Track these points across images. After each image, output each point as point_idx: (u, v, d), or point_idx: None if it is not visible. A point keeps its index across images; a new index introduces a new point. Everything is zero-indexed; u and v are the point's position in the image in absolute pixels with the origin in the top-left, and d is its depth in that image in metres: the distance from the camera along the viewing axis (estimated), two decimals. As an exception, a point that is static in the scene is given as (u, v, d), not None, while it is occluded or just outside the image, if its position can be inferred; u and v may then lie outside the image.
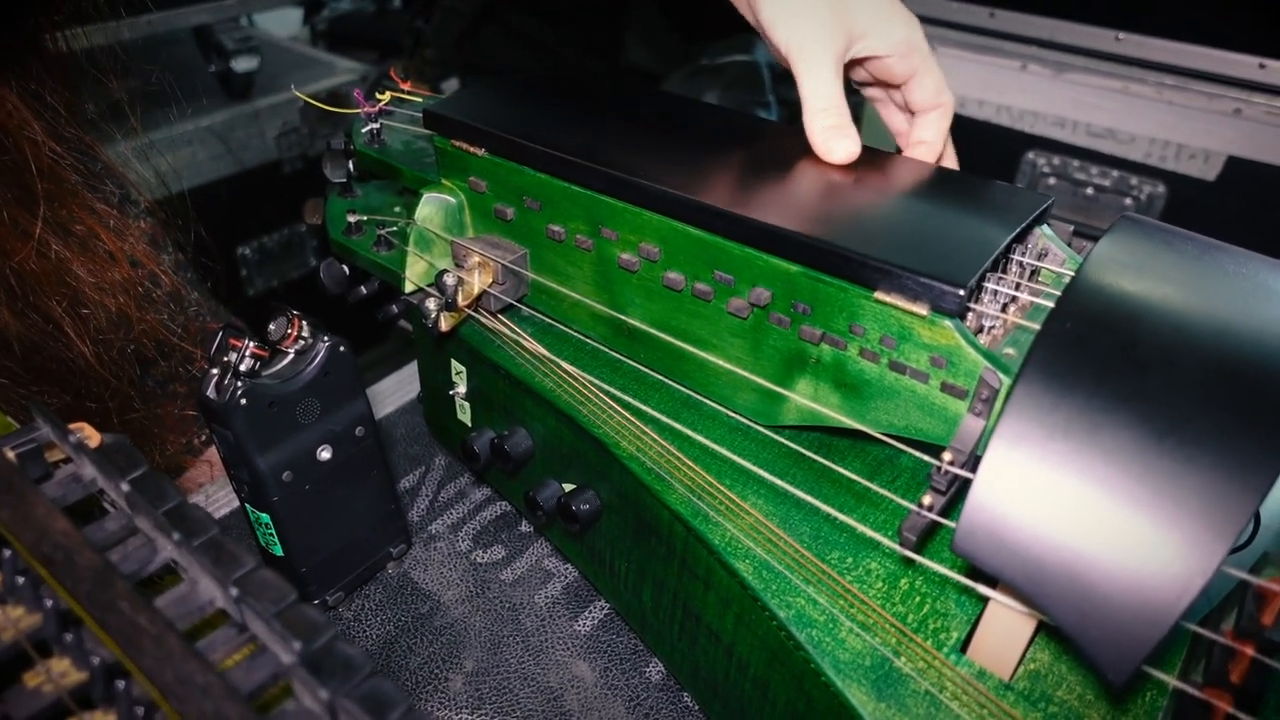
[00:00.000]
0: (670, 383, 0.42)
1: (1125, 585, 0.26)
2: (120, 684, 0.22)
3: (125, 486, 0.29)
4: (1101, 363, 0.28)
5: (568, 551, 0.48)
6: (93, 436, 0.33)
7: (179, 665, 0.22)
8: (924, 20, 1.07)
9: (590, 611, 0.47)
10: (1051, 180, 1.04)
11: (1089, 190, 1.02)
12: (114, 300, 0.53)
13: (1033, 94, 1.01)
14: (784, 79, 1.58)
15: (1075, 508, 0.27)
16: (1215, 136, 0.92)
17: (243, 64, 1.50)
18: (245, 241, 1.54)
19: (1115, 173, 1.00)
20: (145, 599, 0.24)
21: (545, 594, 0.48)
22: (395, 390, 0.63)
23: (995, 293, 0.35)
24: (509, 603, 0.48)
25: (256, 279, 1.59)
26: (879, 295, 0.33)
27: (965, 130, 1.09)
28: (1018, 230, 0.35)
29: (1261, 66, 0.89)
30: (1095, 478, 0.27)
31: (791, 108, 1.60)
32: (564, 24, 1.83)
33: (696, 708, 0.43)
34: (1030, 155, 1.04)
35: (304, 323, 0.43)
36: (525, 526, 0.52)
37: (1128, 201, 0.99)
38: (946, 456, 0.31)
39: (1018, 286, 0.36)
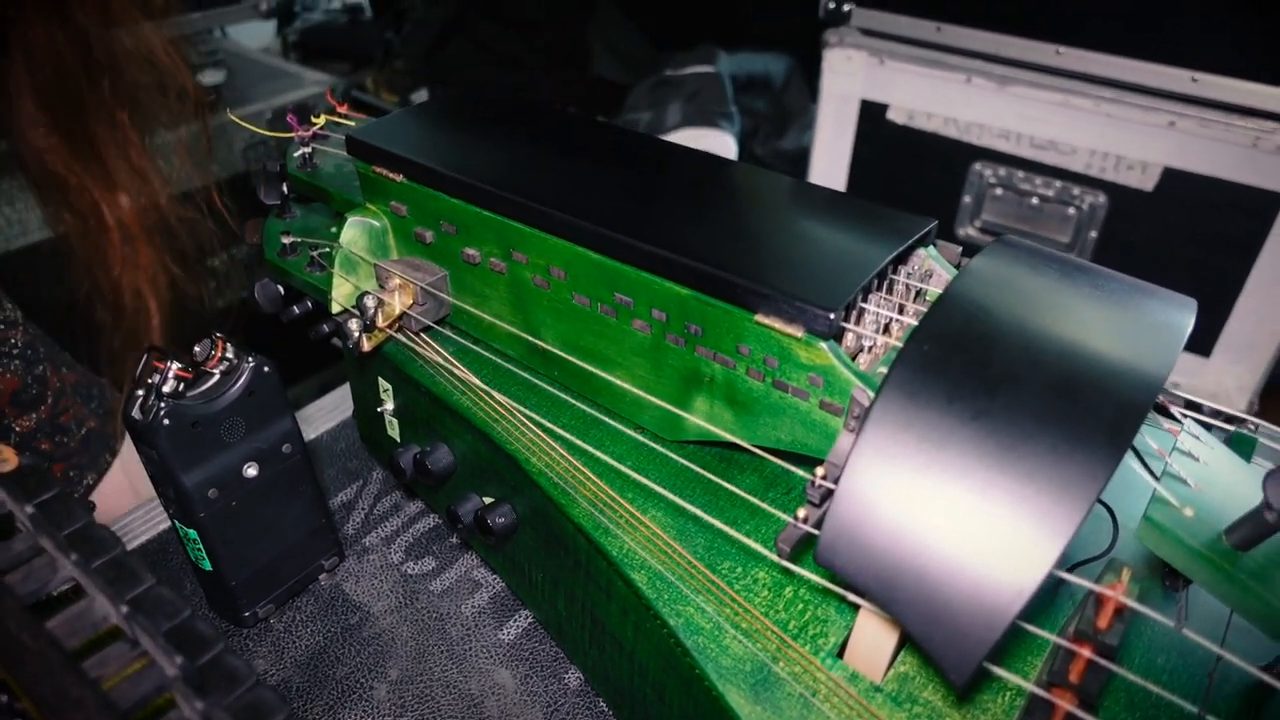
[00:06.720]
0: (582, 401, 0.44)
1: (965, 593, 0.27)
2: (3, 698, 0.24)
3: (30, 509, 0.30)
4: (954, 382, 0.30)
5: (492, 563, 0.49)
6: (10, 459, 0.35)
7: (57, 680, 0.23)
8: (873, 34, 1.10)
9: (514, 621, 0.49)
10: (998, 191, 1.06)
11: (1034, 201, 1.04)
12: None
13: (978, 106, 1.04)
14: (745, 90, 1.60)
15: (922, 521, 0.28)
16: (1152, 148, 0.95)
17: (209, 77, 1.51)
18: (213, 254, 1.54)
19: (1058, 183, 1.02)
20: (32, 617, 0.25)
21: (472, 604, 0.50)
22: (337, 405, 0.65)
23: (876, 314, 0.37)
24: (436, 613, 0.49)
25: (225, 290, 1.59)
26: (759, 318, 0.35)
27: (914, 142, 1.12)
28: (894, 254, 0.37)
29: (1194, 80, 0.92)
30: (941, 493, 0.28)
31: (755, 118, 1.62)
32: (531, 35, 1.85)
33: (611, 713, 0.44)
34: (977, 166, 1.06)
35: (228, 345, 0.44)
36: (456, 538, 0.54)
37: (1071, 211, 1.02)
38: (820, 471, 0.33)
39: (900, 309, 0.38)
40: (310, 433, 0.62)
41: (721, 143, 1.49)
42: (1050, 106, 0.99)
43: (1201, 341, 0.98)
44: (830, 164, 1.17)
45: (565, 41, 1.83)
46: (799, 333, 0.34)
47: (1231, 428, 0.37)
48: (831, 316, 0.33)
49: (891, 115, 1.10)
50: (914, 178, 1.13)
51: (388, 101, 1.94)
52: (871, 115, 1.12)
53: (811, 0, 1.14)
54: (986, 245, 0.37)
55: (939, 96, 1.06)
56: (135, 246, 0.68)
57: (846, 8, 1.11)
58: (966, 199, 1.09)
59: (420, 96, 1.90)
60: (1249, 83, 0.89)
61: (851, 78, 1.11)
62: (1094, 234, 1.01)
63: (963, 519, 0.28)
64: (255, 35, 2.21)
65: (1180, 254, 0.98)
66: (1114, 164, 0.98)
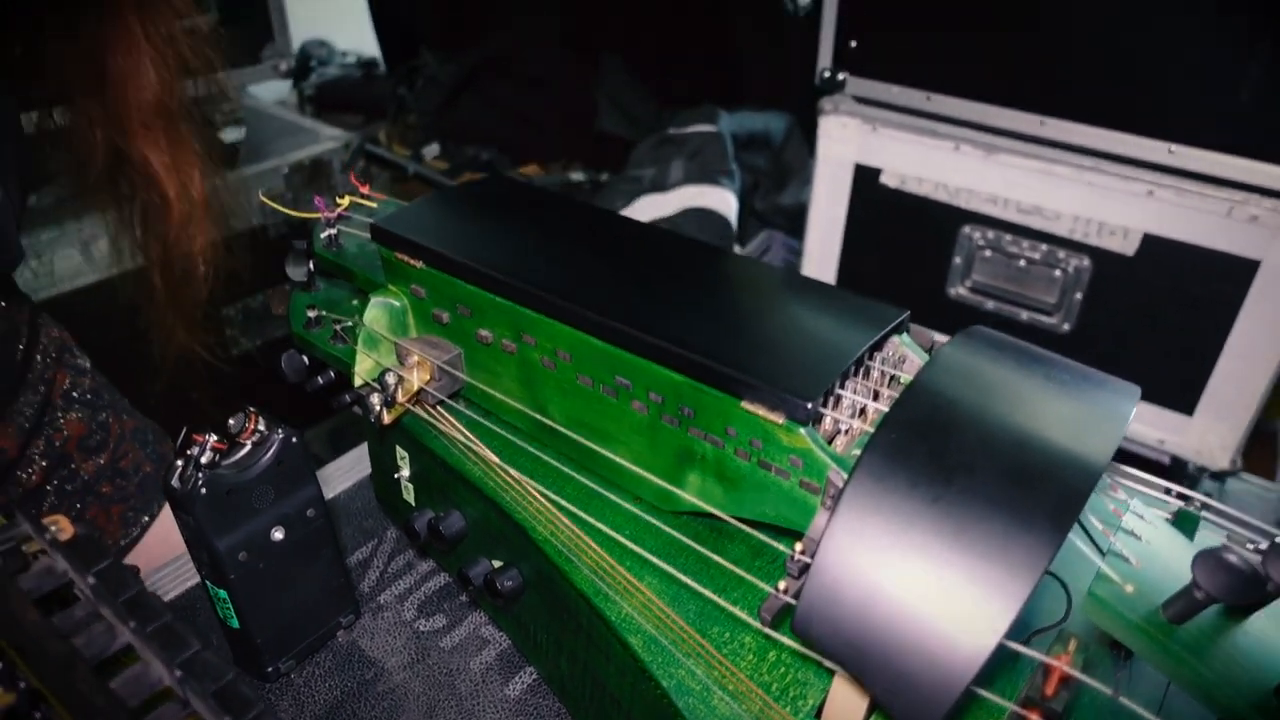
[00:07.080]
0: (583, 474, 0.47)
1: (924, 662, 0.31)
2: (76, 754, 0.27)
3: (91, 579, 0.34)
4: (916, 469, 0.34)
5: (500, 622, 0.53)
6: (66, 529, 0.38)
7: (125, 739, 0.27)
8: (866, 102, 1.15)
9: (520, 677, 0.52)
10: (987, 253, 1.11)
11: (1021, 263, 1.09)
12: None
13: (966, 173, 1.08)
14: (746, 148, 1.65)
15: (887, 596, 0.32)
16: (1132, 215, 0.99)
17: (229, 135, 1.56)
18: (230, 303, 1.59)
19: (1044, 247, 1.06)
20: (100, 680, 0.29)
21: (480, 660, 0.53)
22: (354, 465, 0.68)
23: (852, 400, 0.41)
24: (446, 669, 0.52)
25: (241, 339, 1.64)
26: (745, 405, 0.39)
27: (907, 205, 1.16)
28: (868, 345, 0.41)
29: (1171, 151, 0.96)
30: (903, 571, 0.32)
31: (755, 174, 1.67)
32: (540, 92, 1.92)
33: (610, 765, 0.47)
34: (966, 229, 1.11)
35: (260, 418, 0.48)
36: (466, 597, 0.57)
37: (1057, 274, 1.06)
38: (799, 546, 0.36)
39: (875, 395, 0.42)
40: (329, 492, 0.65)
41: (722, 199, 1.54)
42: (1035, 174, 1.04)
43: (1185, 400, 1.01)
44: (826, 225, 1.22)
45: (572, 99, 1.90)
46: (780, 419, 0.38)
47: (1180, 504, 0.41)
48: (809, 406, 0.37)
49: (884, 179, 1.15)
50: (907, 239, 1.17)
51: (399, 155, 2.00)
52: (865, 179, 1.17)
53: (810, 65, 1.20)
54: (953, 337, 0.41)
55: (929, 162, 1.11)
56: (200, 225, 0.74)
57: (841, 76, 1.17)
58: (957, 260, 1.13)
59: (432, 150, 1.97)
60: (1223, 155, 0.94)
61: (846, 143, 1.16)
62: (1079, 295, 1.05)
63: (922, 595, 0.31)
64: (271, 89, 2.28)
65: (1163, 316, 1.01)
66: (1096, 229, 1.02)
